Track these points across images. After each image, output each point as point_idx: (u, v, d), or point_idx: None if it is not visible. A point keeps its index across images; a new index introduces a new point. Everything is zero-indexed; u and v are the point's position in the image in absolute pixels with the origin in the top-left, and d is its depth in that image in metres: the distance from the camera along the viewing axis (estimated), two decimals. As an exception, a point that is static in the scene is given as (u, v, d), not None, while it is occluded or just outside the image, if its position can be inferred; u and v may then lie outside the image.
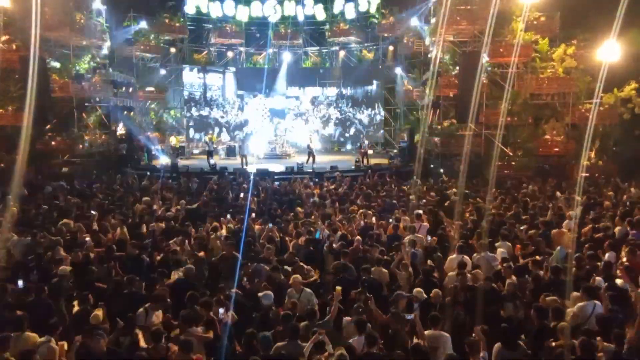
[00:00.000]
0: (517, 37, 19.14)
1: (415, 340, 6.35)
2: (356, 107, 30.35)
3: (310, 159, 22.95)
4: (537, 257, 8.94)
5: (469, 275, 8.03)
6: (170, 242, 10.00)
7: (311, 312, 6.62)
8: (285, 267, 8.59)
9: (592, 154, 20.51)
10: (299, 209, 13.13)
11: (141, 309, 6.79)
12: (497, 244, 9.74)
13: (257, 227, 11.34)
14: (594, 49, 19.17)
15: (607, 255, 8.92)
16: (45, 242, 9.75)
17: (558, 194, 14.59)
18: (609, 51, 16.69)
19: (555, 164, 20.63)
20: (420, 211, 12.15)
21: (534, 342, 6.24)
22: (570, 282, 7.66)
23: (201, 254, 9.40)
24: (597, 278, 7.71)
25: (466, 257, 8.80)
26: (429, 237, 10.57)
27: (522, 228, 10.92)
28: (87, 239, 10.13)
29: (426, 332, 6.38)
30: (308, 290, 7.69)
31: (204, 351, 6.34)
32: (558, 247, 9.27)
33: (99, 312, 6.70)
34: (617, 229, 10.67)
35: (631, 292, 7.34)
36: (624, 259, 8.63)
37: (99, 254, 9.23)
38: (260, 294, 7.38)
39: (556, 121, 21.00)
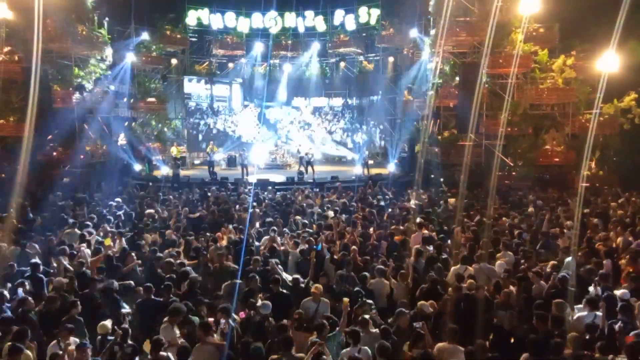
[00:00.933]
0: (517, 48, 19.24)
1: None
2: (361, 117, 30.43)
3: (309, 170, 22.86)
4: (553, 264, 8.89)
5: (464, 285, 7.97)
6: (165, 251, 9.99)
7: (320, 325, 6.55)
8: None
9: (593, 164, 20.52)
10: (297, 217, 13.09)
11: (164, 325, 6.73)
12: (498, 255, 9.71)
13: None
14: (593, 59, 19.24)
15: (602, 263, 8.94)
16: (33, 253, 9.74)
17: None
18: (608, 62, 16.72)
19: (555, 174, 20.63)
20: (420, 219, 12.16)
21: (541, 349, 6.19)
22: (572, 292, 7.65)
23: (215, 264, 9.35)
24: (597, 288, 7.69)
25: (469, 268, 8.78)
26: (430, 248, 10.55)
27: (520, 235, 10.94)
28: (83, 248, 10.11)
29: (440, 344, 6.27)
30: (326, 300, 7.62)
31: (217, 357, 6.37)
32: (569, 258, 9.17)
33: (107, 322, 6.71)
34: (619, 239, 10.66)
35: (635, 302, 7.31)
36: (629, 268, 8.60)
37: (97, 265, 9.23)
38: (258, 304, 7.35)
39: (556, 131, 21.06)
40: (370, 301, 7.51)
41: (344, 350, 6.13)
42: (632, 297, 7.31)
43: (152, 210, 14.02)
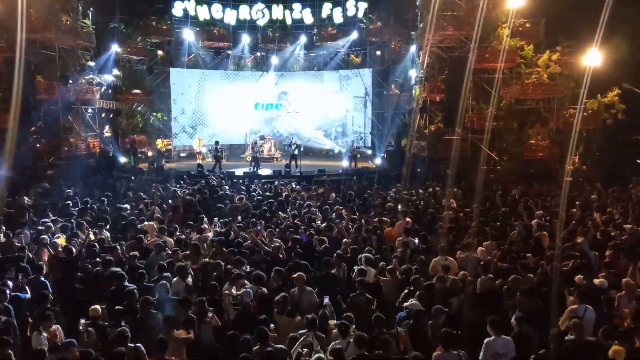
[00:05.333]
0: (503, 43, 19.40)
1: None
2: (347, 111, 30.40)
3: (294, 163, 22.71)
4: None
5: (451, 277, 8.00)
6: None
7: (312, 320, 6.41)
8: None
9: (576, 159, 20.79)
10: (280, 213, 13.02)
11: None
12: (484, 243, 9.82)
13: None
14: (578, 55, 19.46)
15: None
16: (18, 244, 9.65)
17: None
18: (592, 58, 16.94)
19: (540, 168, 20.86)
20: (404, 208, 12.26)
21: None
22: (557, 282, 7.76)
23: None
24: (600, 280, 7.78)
25: (450, 259, 8.83)
26: (416, 240, 10.61)
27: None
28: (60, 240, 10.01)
29: (437, 353, 5.92)
30: (309, 289, 7.68)
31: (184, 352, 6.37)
32: (580, 239, 9.41)
33: (98, 306, 6.78)
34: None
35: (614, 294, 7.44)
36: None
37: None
38: (239, 292, 7.37)
39: (541, 126, 21.29)
40: (369, 296, 7.55)
41: (333, 343, 6.17)
42: (611, 289, 7.48)
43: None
